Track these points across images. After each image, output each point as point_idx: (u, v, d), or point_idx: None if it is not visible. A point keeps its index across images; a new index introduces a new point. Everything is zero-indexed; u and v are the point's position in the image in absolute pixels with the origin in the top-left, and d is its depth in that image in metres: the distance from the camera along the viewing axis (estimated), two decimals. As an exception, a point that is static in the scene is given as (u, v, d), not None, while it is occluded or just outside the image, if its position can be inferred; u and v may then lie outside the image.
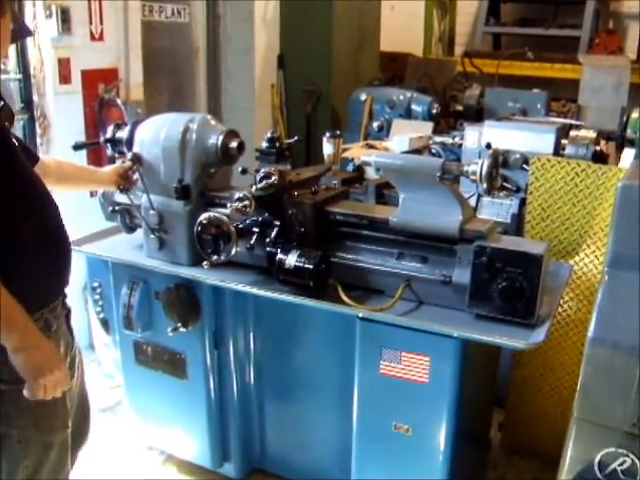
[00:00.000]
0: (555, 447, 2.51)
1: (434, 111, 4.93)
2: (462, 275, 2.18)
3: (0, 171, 1.72)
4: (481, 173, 2.16)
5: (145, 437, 3.13)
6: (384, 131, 4.83)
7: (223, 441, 2.87)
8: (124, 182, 2.58)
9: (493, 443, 3.26)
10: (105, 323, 3.05)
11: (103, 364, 3.37)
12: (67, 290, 2.05)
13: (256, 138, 4.38)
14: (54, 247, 1.93)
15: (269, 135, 2.42)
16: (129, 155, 2.54)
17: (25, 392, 1.77)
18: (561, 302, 2.75)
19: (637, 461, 1.84)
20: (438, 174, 2.17)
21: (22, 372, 1.74)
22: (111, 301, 2.86)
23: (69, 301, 2.07)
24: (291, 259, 2.24)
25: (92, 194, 3.59)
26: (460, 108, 5.37)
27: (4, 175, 1.73)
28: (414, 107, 4.95)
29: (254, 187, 2.31)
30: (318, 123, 5.71)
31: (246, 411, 2.86)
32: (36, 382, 1.75)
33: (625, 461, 1.86)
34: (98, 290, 3.00)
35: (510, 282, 2.09)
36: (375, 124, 4.92)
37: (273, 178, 2.29)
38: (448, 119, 5.40)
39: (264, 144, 2.43)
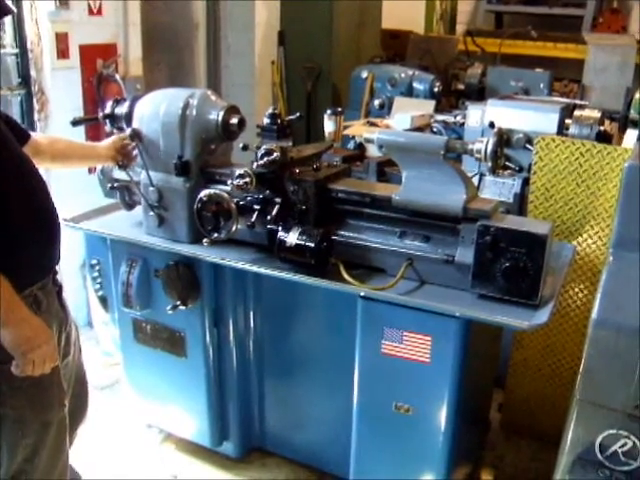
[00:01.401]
0: (554, 428, 2.51)
1: (436, 89, 4.89)
2: (465, 254, 2.16)
3: None
4: (486, 151, 2.13)
5: (144, 415, 3.12)
6: (385, 109, 4.80)
7: (222, 419, 2.87)
8: (122, 157, 2.55)
9: (492, 424, 3.26)
10: (104, 301, 3.03)
11: (102, 342, 3.34)
12: (61, 267, 2.04)
13: (256, 115, 4.34)
14: (42, 225, 1.93)
15: (270, 111, 2.38)
16: (128, 131, 2.50)
17: (13, 368, 1.77)
18: (563, 283, 2.73)
19: (638, 443, 1.83)
20: (442, 152, 2.14)
21: (9, 347, 1.75)
22: (110, 278, 2.84)
23: (65, 278, 2.06)
24: (292, 237, 2.22)
25: (90, 171, 3.56)
26: (462, 87, 5.34)
27: None
28: (416, 85, 4.91)
29: (255, 164, 2.27)
30: (318, 100, 5.67)
31: (245, 390, 2.85)
32: (24, 357, 1.76)
33: (626, 443, 1.85)
34: (97, 267, 2.97)
35: (514, 262, 2.07)
36: (376, 102, 4.88)
37: (274, 155, 2.26)
38: (449, 98, 5.37)
39: (265, 120, 2.39)
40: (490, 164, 2.15)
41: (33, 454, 1.96)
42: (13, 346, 1.75)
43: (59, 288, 2.07)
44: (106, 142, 2.58)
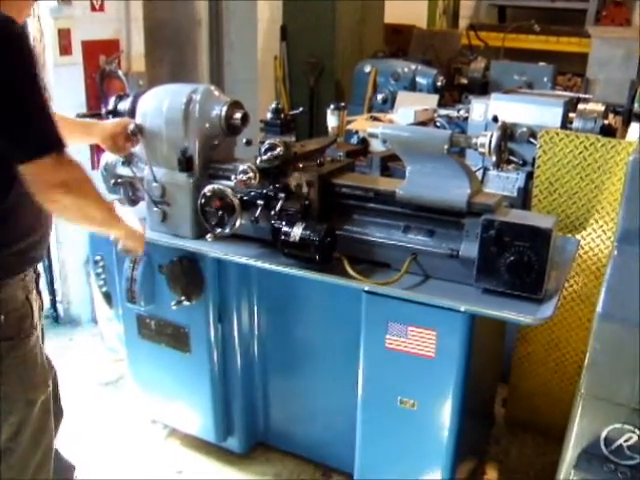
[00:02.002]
0: (558, 422, 2.50)
1: (439, 84, 4.88)
2: (469, 249, 2.15)
3: None
4: (490, 145, 2.12)
5: (148, 411, 3.12)
6: (388, 103, 4.78)
7: (227, 415, 2.87)
8: (114, 145, 2.51)
9: (497, 418, 3.26)
10: (108, 297, 3.04)
11: (106, 338, 3.35)
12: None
13: (259, 110, 4.33)
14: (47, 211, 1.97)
15: (274, 106, 2.38)
16: (131, 126, 2.50)
17: (123, 252, 2.36)
18: (567, 277, 2.73)
19: (643, 437, 1.83)
20: (446, 146, 2.14)
21: (123, 239, 2.25)
22: (114, 274, 2.84)
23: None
24: (296, 232, 2.21)
25: (93, 167, 3.57)
26: (465, 81, 5.32)
27: None
28: (419, 80, 4.90)
29: (259, 159, 2.27)
30: (321, 95, 5.66)
31: (250, 385, 2.85)
32: (133, 243, 2.27)
33: (631, 437, 1.85)
34: (100, 264, 2.98)
35: (518, 256, 2.07)
36: (379, 96, 4.87)
37: (278, 149, 2.25)
38: (453, 92, 5.36)
39: (269, 115, 2.39)
40: (494, 158, 2.15)
41: (16, 433, 1.98)
42: (125, 238, 2.22)
43: (37, 275, 2.10)
44: (107, 123, 2.54)
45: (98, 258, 2.97)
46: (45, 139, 1.74)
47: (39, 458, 2.09)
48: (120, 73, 3.88)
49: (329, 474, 2.90)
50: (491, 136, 2.14)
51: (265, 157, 2.26)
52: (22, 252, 1.91)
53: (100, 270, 2.99)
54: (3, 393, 1.91)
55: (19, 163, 1.72)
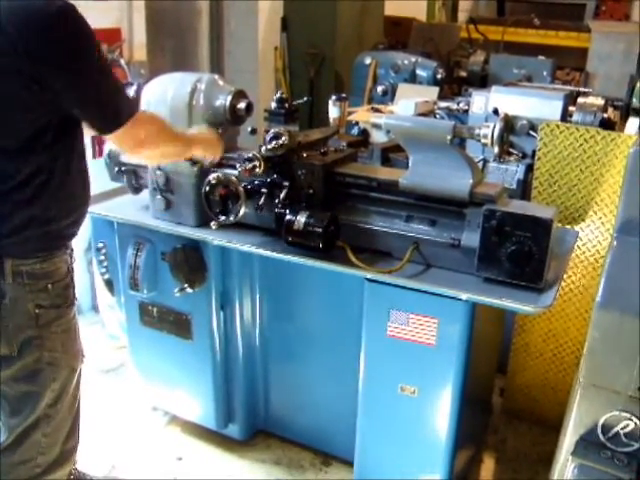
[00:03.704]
0: (555, 412, 2.54)
1: (439, 76, 4.89)
2: (471, 238, 2.18)
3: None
4: (492, 136, 2.15)
5: (149, 398, 3.15)
6: (388, 95, 4.79)
7: (228, 402, 2.89)
8: None
9: (494, 408, 3.29)
10: (109, 284, 3.06)
11: (107, 325, 3.37)
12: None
13: (259, 100, 4.34)
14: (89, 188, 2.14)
15: (278, 95, 2.40)
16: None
17: (207, 163, 2.46)
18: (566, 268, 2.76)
19: (640, 424, 1.86)
20: (449, 137, 2.16)
21: (206, 155, 2.38)
22: (116, 262, 2.86)
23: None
24: (300, 220, 2.23)
25: (96, 155, 3.58)
26: (464, 74, 5.34)
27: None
28: (419, 72, 4.91)
29: (264, 147, 2.29)
30: (321, 87, 5.67)
31: (251, 372, 2.88)
32: (213, 155, 2.40)
33: (628, 424, 1.88)
34: (103, 251, 2.99)
35: (519, 246, 2.09)
36: (379, 88, 4.88)
37: (283, 138, 2.27)
38: (452, 85, 5.38)
39: (273, 104, 2.41)
40: (496, 149, 2.17)
41: (56, 400, 2.10)
42: (204, 152, 2.35)
43: (71, 251, 2.18)
44: None
45: (100, 245, 2.99)
46: (120, 112, 1.92)
47: (69, 427, 2.21)
48: (122, 62, 3.88)
49: (329, 461, 2.93)
50: (493, 127, 2.16)
51: (270, 146, 2.27)
52: (70, 226, 2.05)
53: (102, 257, 3.01)
54: (50, 359, 2.03)
55: (100, 134, 1.99)
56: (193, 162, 2.45)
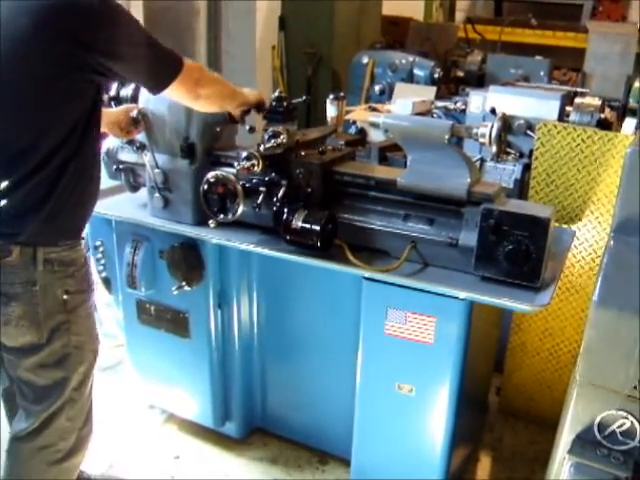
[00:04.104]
0: (552, 411, 2.55)
1: (436, 76, 4.91)
2: (468, 237, 2.18)
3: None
4: (490, 135, 2.15)
5: (146, 396, 3.15)
6: (385, 95, 4.81)
7: (225, 400, 2.90)
8: (121, 131, 2.55)
9: (491, 407, 3.30)
10: (107, 282, 3.06)
11: (104, 323, 3.36)
12: None
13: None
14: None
15: (277, 94, 2.40)
16: (134, 112, 2.51)
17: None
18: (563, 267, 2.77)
19: (636, 423, 1.87)
20: (447, 136, 2.17)
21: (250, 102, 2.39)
22: (113, 260, 2.86)
23: None
24: (298, 219, 2.23)
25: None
26: (461, 74, 5.36)
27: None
28: (416, 71, 4.93)
29: (262, 146, 2.29)
30: (319, 86, 5.68)
31: (248, 370, 2.88)
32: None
33: (624, 423, 1.89)
34: (100, 249, 3.00)
35: (516, 245, 2.10)
36: (377, 87, 4.90)
37: (281, 137, 2.28)
38: (449, 85, 5.39)
39: (272, 103, 2.41)
40: (494, 148, 2.18)
41: (81, 383, 2.16)
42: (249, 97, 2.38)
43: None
44: (112, 110, 2.57)
45: (98, 243, 2.99)
46: (170, 67, 2.05)
47: (88, 409, 2.27)
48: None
49: (326, 459, 2.93)
50: (491, 126, 2.17)
51: (268, 144, 2.28)
52: (89, 214, 2.14)
53: (100, 255, 3.01)
54: (77, 343, 2.09)
55: (160, 90, 2.09)
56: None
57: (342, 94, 2.87)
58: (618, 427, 1.90)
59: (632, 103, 3.99)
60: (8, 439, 2.19)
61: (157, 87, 2.09)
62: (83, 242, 2.14)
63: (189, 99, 2.19)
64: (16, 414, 2.22)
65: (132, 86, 2.63)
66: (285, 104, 2.38)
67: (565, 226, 2.82)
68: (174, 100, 2.26)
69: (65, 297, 2.03)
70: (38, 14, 1.80)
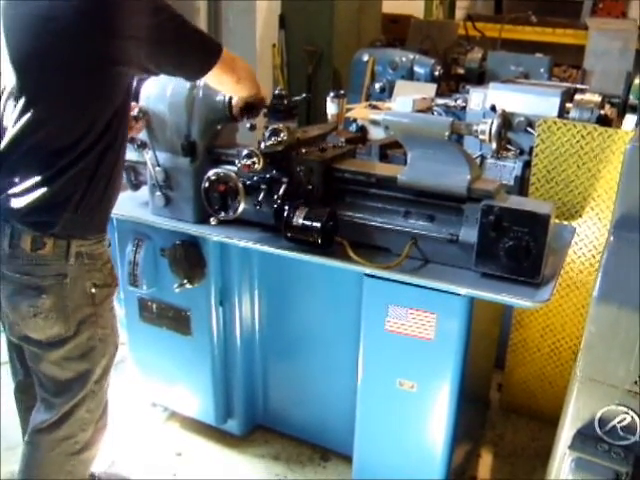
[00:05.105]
0: (552, 407, 2.56)
1: (436, 73, 4.91)
2: (469, 234, 2.19)
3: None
4: (490, 132, 2.16)
5: (149, 394, 3.16)
6: (386, 92, 4.81)
7: (227, 397, 2.91)
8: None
9: (492, 403, 3.31)
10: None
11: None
12: None
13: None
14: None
15: (277, 92, 2.40)
16: (135, 110, 2.52)
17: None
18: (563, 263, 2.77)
19: (637, 418, 1.88)
20: (447, 133, 2.17)
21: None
22: (115, 258, 2.86)
23: None
24: (299, 216, 2.24)
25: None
26: (461, 71, 5.35)
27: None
28: (416, 69, 4.93)
29: (263, 143, 2.30)
30: (319, 84, 5.68)
31: (250, 368, 2.89)
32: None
33: (625, 418, 1.90)
34: (102, 247, 3.00)
35: (517, 241, 2.10)
36: (377, 85, 4.90)
37: (282, 135, 2.28)
38: (449, 82, 5.38)
39: (272, 101, 2.41)
40: (494, 145, 2.19)
41: (102, 376, 2.19)
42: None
43: None
44: None
45: (100, 242, 2.99)
46: (209, 54, 2.09)
47: (104, 402, 2.28)
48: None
49: (328, 456, 2.94)
50: (491, 123, 2.18)
51: (269, 142, 2.28)
52: (111, 209, 2.15)
53: (101, 254, 3.01)
54: (102, 336, 2.13)
55: (201, 76, 2.13)
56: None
57: (342, 92, 2.87)
58: (619, 422, 1.91)
59: (632, 99, 4.00)
60: (28, 431, 2.21)
61: (202, 71, 2.11)
62: (107, 237, 2.17)
63: (231, 82, 2.21)
64: (28, 407, 2.25)
65: (133, 84, 2.63)
66: (286, 102, 2.39)
67: (565, 222, 2.82)
68: (212, 86, 2.31)
69: (93, 290, 2.06)
70: (85, 6, 1.83)
